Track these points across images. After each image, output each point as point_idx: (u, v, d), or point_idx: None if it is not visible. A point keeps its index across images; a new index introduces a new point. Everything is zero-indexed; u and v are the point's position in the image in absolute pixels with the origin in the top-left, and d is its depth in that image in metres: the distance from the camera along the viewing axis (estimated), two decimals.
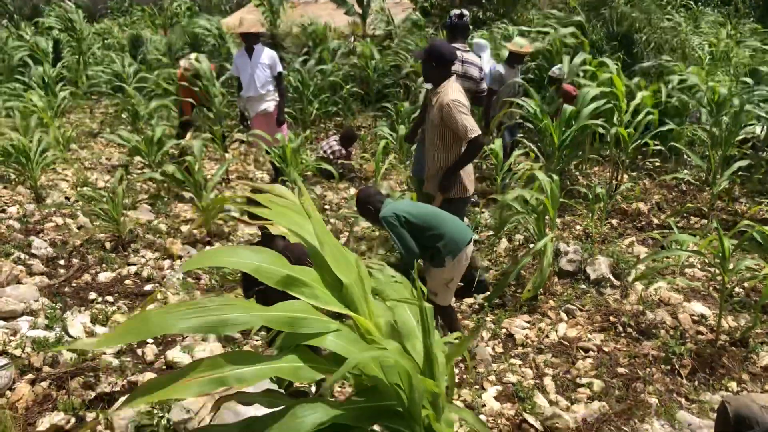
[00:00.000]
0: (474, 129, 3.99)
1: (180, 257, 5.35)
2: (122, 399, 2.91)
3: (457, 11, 5.34)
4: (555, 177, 4.90)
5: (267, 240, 3.20)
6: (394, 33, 13.78)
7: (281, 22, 14.49)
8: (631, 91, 7.41)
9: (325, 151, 8.31)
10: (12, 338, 3.42)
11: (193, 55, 8.83)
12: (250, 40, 6.97)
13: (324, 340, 1.55)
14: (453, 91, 4.09)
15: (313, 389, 3.04)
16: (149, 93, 10.20)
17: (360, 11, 15.25)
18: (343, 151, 8.30)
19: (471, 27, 12.62)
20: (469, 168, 4.34)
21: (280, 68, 7.11)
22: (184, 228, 6.27)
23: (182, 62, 9.25)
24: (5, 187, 6.87)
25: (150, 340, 3.88)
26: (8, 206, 6.14)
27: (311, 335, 1.60)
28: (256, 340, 4.18)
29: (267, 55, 7.02)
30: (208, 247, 5.81)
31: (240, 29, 7.05)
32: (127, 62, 11.22)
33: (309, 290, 1.66)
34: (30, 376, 3.19)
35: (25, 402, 3.00)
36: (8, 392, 3.02)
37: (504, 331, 4.40)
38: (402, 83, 10.73)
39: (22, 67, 11.56)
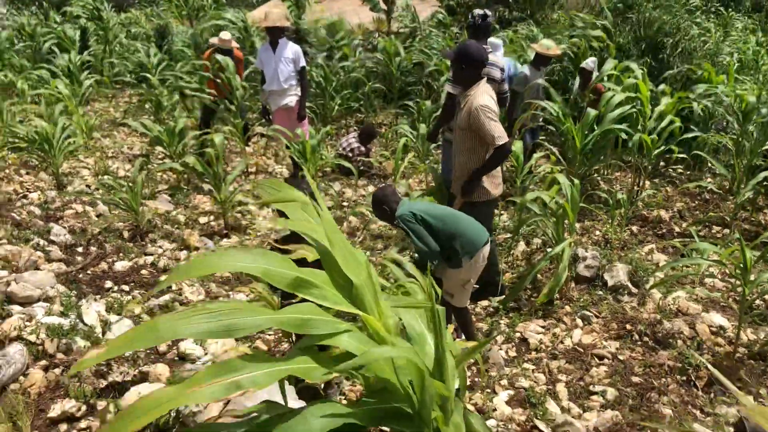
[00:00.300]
0: (501, 136, 3.94)
1: (197, 248, 5.37)
2: (139, 392, 2.93)
3: (480, 11, 5.30)
4: (576, 181, 4.84)
5: (297, 236, 3.18)
6: (418, 31, 13.73)
7: (306, 17, 14.52)
8: (657, 96, 7.31)
9: (344, 148, 8.30)
10: (27, 324, 3.44)
11: (223, 33, 8.87)
12: (274, 34, 6.98)
13: (338, 340, 1.54)
14: (482, 96, 4.03)
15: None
16: (172, 84, 10.26)
17: (385, 8, 15.23)
18: (363, 149, 8.29)
19: (497, 27, 12.59)
20: (496, 171, 4.29)
21: (303, 63, 7.11)
22: (203, 219, 6.30)
23: (212, 39, 9.30)
24: (28, 173, 6.95)
25: None
26: (30, 192, 6.20)
27: (322, 336, 1.59)
28: (269, 335, 4.18)
29: (291, 49, 7.02)
30: (225, 240, 5.83)
31: (265, 23, 7.06)
32: (152, 52, 11.29)
33: (318, 291, 1.64)
34: (43, 362, 3.22)
35: (38, 388, 3.03)
36: (21, 377, 3.04)
37: (518, 335, 4.36)
38: (425, 82, 10.69)
39: (50, 54, 11.69)
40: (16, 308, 3.66)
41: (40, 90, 8.87)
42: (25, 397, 2.92)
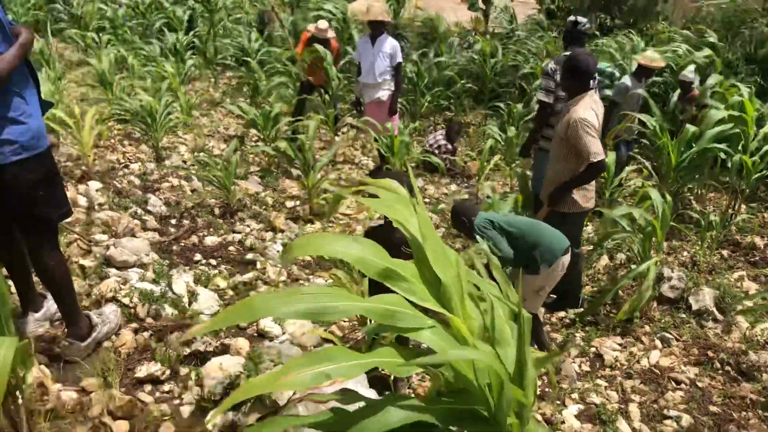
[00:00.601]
0: (597, 153, 3.87)
1: (282, 231, 5.54)
2: (221, 363, 3.06)
3: (573, 17, 5.21)
4: (668, 198, 4.70)
5: (387, 229, 3.27)
6: (515, 32, 13.57)
7: (404, 12, 14.60)
8: (763, 117, 6.97)
9: (431, 145, 8.34)
10: (122, 287, 3.66)
11: (321, 23, 9.06)
12: (376, 28, 7.08)
13: (421, 335, 1.57)
14: (584, 109, 3.97)
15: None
16: (270, 69, 10.55)
17: (483, 7, 15.12)
18: (449, 146, 8.30)
19: (596, 34, 12.27)
20: (588, 185, 4.22)
21: (400, 59, 7.18)
22: (289, 203, 6.48)
23: (310, 26, 9.51)
24: (130, 144, 7.32)
25: None
26: (131, 163, 6.54)
27: (407, 329, 1.63)
28: (344, 321, 4.27)
29: (389, 44, 7.10)
30: (308, 225, 5.99)
31: (367, 17, 7.17)
32: (253, 37, 11.65)
33: (407, 285, 1.68)
34: (134, 325, 3.41)
35: (128, 348, 3.21)
36: (114, 337, 3.24)
37: (593, 350, 4.29)
38: (518, 84, 10.57)
39: (159, 33, 12.26)
40: (113, 271, 3.89)
41: (148, 67, 9.33)
42: (115, 356, 3.11)
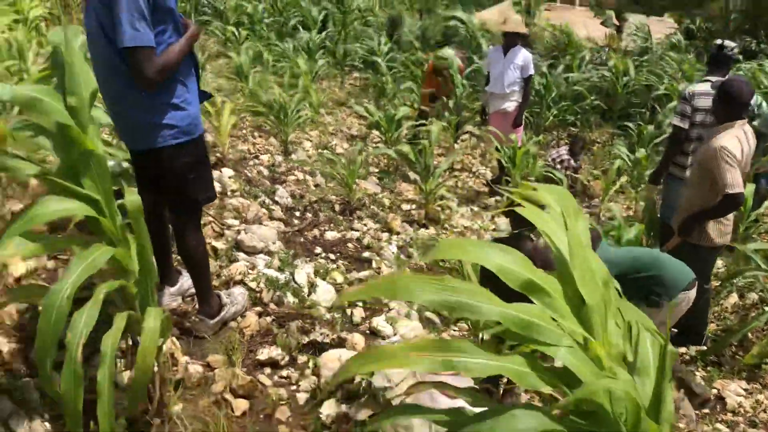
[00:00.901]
0: (735, 185, 3.66)
1: (398, 233, 5.60)
2: (339, 356, 3.15)
3: (719, 41, 4.93)
4: None
5: (517, 239, 3.25)
6: (650, 51, 13.04)
7: (535, 24, 14.40)
8: None
9: (553, 159, 8.16)
10: (250, 272, 3.83)
11: (444, 51, 9.12)
12: (510, 39, 7.04)
13: (557, 352, 1.55)
14: (729, 137, 3.77)
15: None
16: (397, 73, 10.71)
17: (617, 23, 14.65)
18: (572, 162, 8.10)
19: (740, 59, 11.56)
20: (726, 219, 3.99)
21: (531, 71, 7.11)
22: (405, 206, 6.55)
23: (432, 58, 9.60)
24: (260, 136, 7.65)
25: (359, 304, 4.13)
26: (261, 154, 6.83)
27: (543, 343, 1.61)
28: (454, 330, 4.27)
29: (522, 56, 7.04)
30: (422, 230, 6.03)
31: (505, 27, 7.14)
32: (383, 41, 11.87)
33: (549, 300, 1.66)
34: (258, 309, 3.56)
35: (251, 331, 3.36)
36: (240, 318, 3.40)
37: (714, 391, 4.05)
38: (650, 105, 10.15)
39: (293, 30, 12.74)
40: (241, 255, 4.08)
41: (282, 63, 9.72)
42: (240, 336, 3.26)
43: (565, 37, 13.14)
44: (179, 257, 3.22)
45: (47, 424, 2.49)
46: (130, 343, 2.63)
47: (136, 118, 2.69)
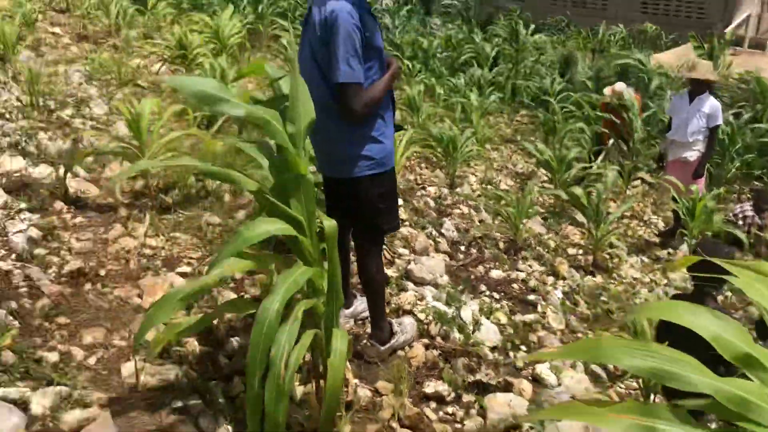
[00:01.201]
0: None
1: (564, 278, 5.45)
2: (510, 401, 3.10)
3: None
4: None
5: (698, 296, 3.07)
6: None
7: (719, 69, 13.57)
8: None
9: (735, 215, 7.57)
10: (419, 302, 3.89)
11: (618, 85, 8.84)
12: (698, 86, 6.68)
13: None
14: None
15: None
16: (568, 113, 10.50)
17: None
18: (757, 219, 7.46)
19: None
20: None
21: (719, 122, 6.69)
22: (571, 250, 6.36)
23: (606, 90, 9.32)
24: (426, 168, 7.78)
25: (522, 348, 4.06)
26: (427, 186, 6.95)
27: (758, 424, 1.48)
28: (621, 388, 4.06)
29: (709, 104, 6.64)
30: (588, 276, 5.81)
31: (693, 74, 6.78)
32: (555, 79, 11.71)
33: (766, 376, 1.53)
34: (425, 340, 3.59)
35: (418, 362, 3.39)
36: (407, 348, 3.45)
37: None
38: None
39: (464, 65, 12.92)
40: (410, 285, 4.15)
41: (453, 98, 9.87)
42: (406, 366, 3.30)
43: (753, 85, 12.22)
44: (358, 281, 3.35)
45: (229, 427, 2.65)
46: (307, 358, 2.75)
47: (338, 149, 2.84)
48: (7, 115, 5.42)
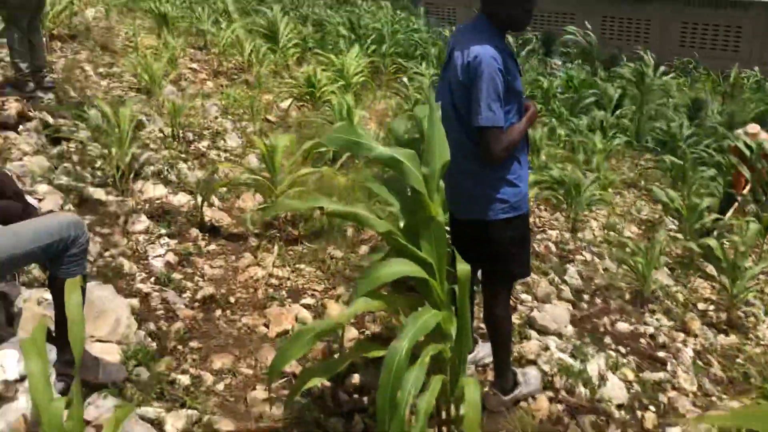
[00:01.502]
0: None
1: (696, 335, 5.10)
2: None
3: None
4: None
5: None
6: None
7: None
8: None
9: None
10: (543, 352, 3.74)
11: (751, 127, 8.31)
12: None
13: None
14: None
15: None
16: (698, 159, 9.99)
17: None
18: None
19: None
20: None
21: None
22: (701, 305, 5.96)
23: (738, 131, 8.78)
24: (546, 210, 7.58)
25: (651, 408, 3.80)
26: (548, 229, 6.76)
27: None
28: None
29: None
30: (721, 335, 5.42)
31: None
32: (684, 123, 11.18)
33: None
34: (549, 393, 3.44)
35: (542, 415, 3.25)
36: (531, 400, 3.31)
37: None
38: None
39: (586, 107, 12.59)
40: (533, 334, 4.01)
41: (574, 139, 9.63)
42: (530, 419, 3.17)
43: None
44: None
45: None
46: None
47: (473, 190, 2.81)
48: (152, 145, 5.80)
